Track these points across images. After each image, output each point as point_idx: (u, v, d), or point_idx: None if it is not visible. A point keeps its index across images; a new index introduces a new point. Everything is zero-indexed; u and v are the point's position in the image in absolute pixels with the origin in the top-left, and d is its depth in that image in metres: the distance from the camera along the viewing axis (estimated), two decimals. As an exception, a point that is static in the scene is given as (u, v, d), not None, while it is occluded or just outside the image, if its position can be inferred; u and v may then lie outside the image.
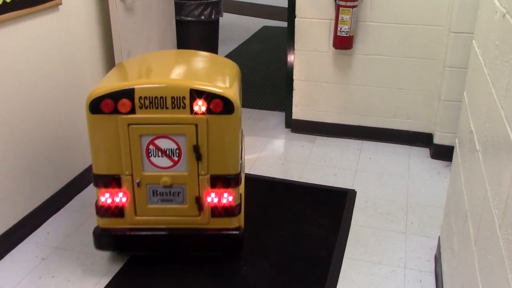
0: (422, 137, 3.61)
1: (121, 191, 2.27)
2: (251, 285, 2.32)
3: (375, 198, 3.01)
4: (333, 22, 3.46)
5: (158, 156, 2.24)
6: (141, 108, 2.14)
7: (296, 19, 3.55)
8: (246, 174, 3.14)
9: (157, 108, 2.15)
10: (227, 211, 2.32)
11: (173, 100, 2.14)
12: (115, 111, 2.14)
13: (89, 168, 3.08)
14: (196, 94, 2.13)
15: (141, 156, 2.23)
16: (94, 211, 2.39)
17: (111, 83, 2.21)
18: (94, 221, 2.71)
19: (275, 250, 2.55)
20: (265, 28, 7.19)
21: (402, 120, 3.62)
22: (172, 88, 2.14)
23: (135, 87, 2.13)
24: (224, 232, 2.36)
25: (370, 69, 3.54)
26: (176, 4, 4.36)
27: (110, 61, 3.16)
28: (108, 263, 2.42)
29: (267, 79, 5.02)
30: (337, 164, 3.41)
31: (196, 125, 2.18)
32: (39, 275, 2.34)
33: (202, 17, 4.59)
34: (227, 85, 2.26)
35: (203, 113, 2.16)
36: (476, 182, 1.67)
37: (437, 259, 2.41)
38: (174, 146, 2.22)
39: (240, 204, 2.40)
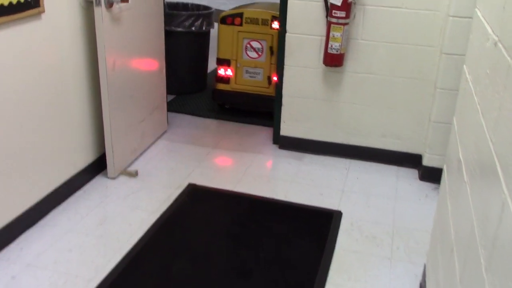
0: (411, 158, 3.55)
1: (229, 68, 4.16)
2: (229, 311, 2.23)
3: (361, 220, 2.94)
4: (324, 38, 3.40)
5: (251, 51, 4.08)
6: (246, 23, 4.02)
7: (287, 35, 3.49)
8: (231, 191, 3.09)
9: (253, 24, 4.01)
10: None
11: (262, 20, 3.99)
12: (232, 23, 4.04)
13: (65, 183, 2.98)
14: (274, 18, 3.91)
15: (242, 50, 4.10)
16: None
17: (231, 10, 4.13)
18: (71, 237, 2.65)
19: (255, 273, 2.46)
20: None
21: (391, 140, 3.56)
22: (262, 14, 3.99)
23: (243, 11, 4.03)
24: None
25: (360, 87, 3.48)
26: (166, 14, 4.30)
27: (94, 72, 3.08)
28: (83, 282, 2.33)
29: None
30: (324, 183, 3.34)
31: (272, 35, 3.97)
32: (8, 294, 2.25)
33: (193, 28, 4.53)
34: None
35: (276, 29, 3.81)
36: (463, 215, 1.61)
37: (422, 287, 2.34)
38: (260, 46, 4.06)
39: None
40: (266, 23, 3.93)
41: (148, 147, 3.71)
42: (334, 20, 3.26)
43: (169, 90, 4.31)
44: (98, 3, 2.86)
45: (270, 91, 4.06)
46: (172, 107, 4.41)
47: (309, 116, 3.65)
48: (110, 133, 3.15)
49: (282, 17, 3.49)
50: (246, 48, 4.03)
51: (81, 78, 3.01)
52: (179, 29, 4.50)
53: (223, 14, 4.05)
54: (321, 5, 3.36)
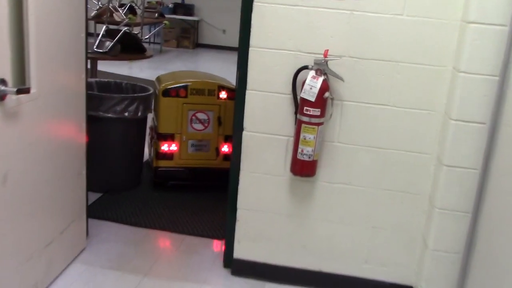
0: (401, 291, 2.80)
1: (174, 143, 3.89)
2: None
3: None
4: (291, 139, 2.69)
5: (197, 123, 3.89)
6: (191, 94, 3.84)
7: (244, 133, 2.75)
8: None
9: (199, 95, 3.85)
10: None
11: (208, 91, 3.87)
12: (177, 95, 3.82)
13: None
14: (221, 88, 3.88)
15: (187, 122, 3.87)
16: None
17: (173, 81, 3.89)
18: None
19: None
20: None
21: (375, 267, 2.81)
22: (209, 84, 3.88)
23: (188, 83, 3.84)
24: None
25: (337, 201, 2.75)
26: (92, 98, 3.51)
27: (-26, 188, 2.18)
28: None
29: (205, 196, 3.98)
30: (293, 331, 2.51)
31: (219, 105, 3.89)
32: None
33: (126, 114, 3.73)
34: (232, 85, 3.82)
35: (224, 99, 3.87)
36: None
37: None
38: (206, 117, 3.90)
39: None
40: (213, 93, 3.85)
41: (57, 277, 2.77)
42: (305, 118, 2.55)
43: (94, 188, 3.48)
44: (-18, 95, 2.02)
45: (218, 163, 3.98)
46: (96, 211, 3.50)
47: (271, 235, 2.86)
48: (-4, 271, 2.22)
49: (238, 113, 2.76)
50: (191, 120, 3.86)
51: (-47, 197, 2.10)
52: (109, 115, 3.68)
53: (165, 86, 3.81)
54: (288, 98, 2.66)
